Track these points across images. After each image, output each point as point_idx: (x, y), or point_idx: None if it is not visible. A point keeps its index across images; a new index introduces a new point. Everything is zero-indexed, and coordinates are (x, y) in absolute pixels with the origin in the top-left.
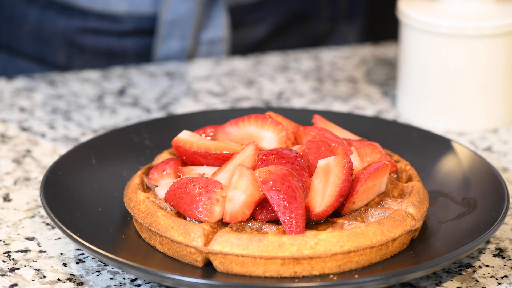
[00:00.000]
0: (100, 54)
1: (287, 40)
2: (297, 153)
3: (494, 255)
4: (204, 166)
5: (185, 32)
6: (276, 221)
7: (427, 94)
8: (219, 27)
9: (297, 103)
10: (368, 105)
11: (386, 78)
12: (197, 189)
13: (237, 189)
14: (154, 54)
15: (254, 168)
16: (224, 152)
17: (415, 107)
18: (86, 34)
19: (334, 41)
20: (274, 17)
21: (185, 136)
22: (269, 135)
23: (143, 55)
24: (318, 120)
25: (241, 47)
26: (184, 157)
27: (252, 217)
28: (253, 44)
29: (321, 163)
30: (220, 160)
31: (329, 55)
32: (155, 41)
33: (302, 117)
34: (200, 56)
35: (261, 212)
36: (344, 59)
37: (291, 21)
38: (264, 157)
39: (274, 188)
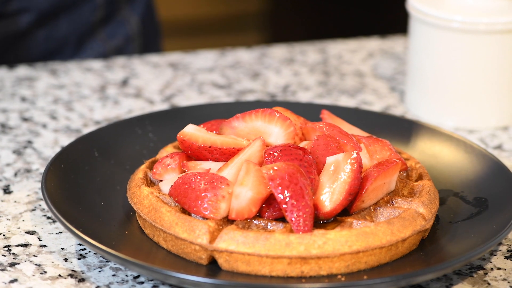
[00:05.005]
0: None
1: (55, 29)
2: (305, 150)
3: (506, 257)
4: (210, 161)
5: None
6: (283, 219)
7: (437, 90)
8: None
9: (303, 96)
10: (376, 100)
11: (394, 72)
12: (202, 184)
13: (243, 186)
14: None
15: (260, 164)
16: (230, 147)
17: (424, 103)
18: None
19: (113, 27)
20: (39, 5)
21: (190, 130)
22: (276, 131)
23: None
24: (326, 116)
25: (1, 40)
26: (189, 152)
27: (259, 215)
28: (15, 35)
29: (329, 160)
30: (226, 155)
31: (336, 48)
32: None
33: (309, 111)
34: None
35: (268, 209)
36: (350, 52)
37: (58, 9)
38: (271, 153)
39: (281, 186)
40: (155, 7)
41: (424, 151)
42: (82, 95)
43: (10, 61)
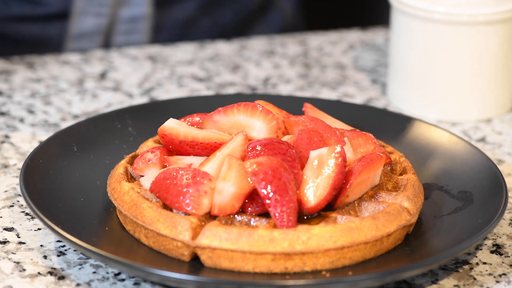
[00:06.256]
0: (24, 43)
1: (219, 16)
2: (288, 144)
3: (492, 252)
4: (191, 155)
5: (101, 9)
6: (266, 215)
7: (419, 82)
8: (141, 4)
9: (284, 89)
10: (357, 92)
11: (375, 64)
12: (184, 180)
13: (226, 181)
14: (67, 32)
15: (243, 159)
16: (212, 141)
17: (406, 96)
18: (8, 22)
19: (270, 15)
20: None
21: (171, 124)
22: (259, 125)
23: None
24: (309, 109)
25: (167, 25)
26: (170, 146)
27: (242, 210)
28: (181, 22)
29: (313, 154)
30: (208, 149)
31: (316, 40)
32: (70, 19)
33: (290, 104)
34: (120, 34)
35: (251, 205)
36: (331, 44)
37: None
38: (254, 147)
39: (265, 181)
40: None
41: (408, 145)
42: (59, 89)
43: None
